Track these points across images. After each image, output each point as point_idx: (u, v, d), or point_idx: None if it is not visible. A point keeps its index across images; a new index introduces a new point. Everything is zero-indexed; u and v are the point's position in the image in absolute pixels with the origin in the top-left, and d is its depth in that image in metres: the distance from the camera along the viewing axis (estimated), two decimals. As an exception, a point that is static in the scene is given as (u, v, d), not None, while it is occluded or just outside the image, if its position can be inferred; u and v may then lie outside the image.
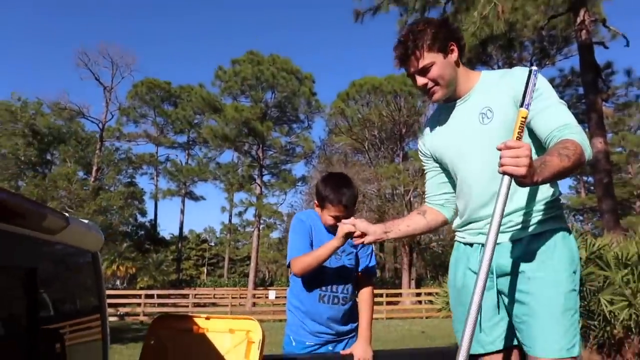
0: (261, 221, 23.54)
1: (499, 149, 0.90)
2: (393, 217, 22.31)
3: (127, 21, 67.72)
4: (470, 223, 1.23)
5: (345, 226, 1.32)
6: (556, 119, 1.06)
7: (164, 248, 26.94)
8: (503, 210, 0.95)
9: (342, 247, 1.52)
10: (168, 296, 18.71)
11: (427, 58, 1.13)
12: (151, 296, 16.45)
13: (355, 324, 1.64)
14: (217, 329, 1.44)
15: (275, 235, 28.50)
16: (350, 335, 1.65)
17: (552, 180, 1.00)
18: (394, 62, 1.22)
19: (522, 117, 0.96)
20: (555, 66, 21.31)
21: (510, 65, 21.29)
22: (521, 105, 0.97)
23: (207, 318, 1.46)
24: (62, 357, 1.02)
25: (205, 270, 37.35)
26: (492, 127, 1.13)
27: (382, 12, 9.96)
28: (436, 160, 1.34)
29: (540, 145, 1.12)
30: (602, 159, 9.01)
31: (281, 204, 24.25)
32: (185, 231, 34.03)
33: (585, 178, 23.08)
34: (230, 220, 27.97)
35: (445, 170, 1.32)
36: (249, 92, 23.17)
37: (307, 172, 26.07)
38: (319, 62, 76.47)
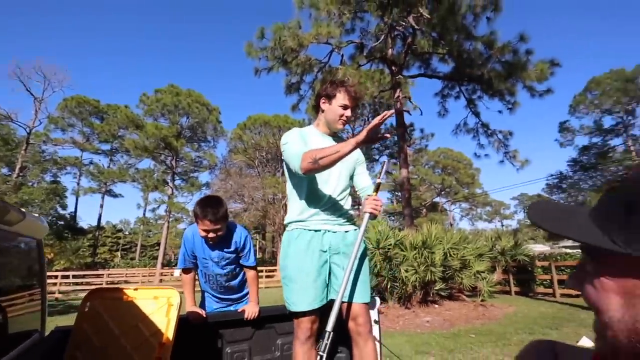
0: (171, 215, 28.72)
1: (367, 199, 1.60)
2: (274, 214, 30.20)
3: (63, 40, 74.47)
4: (318, 215, 1.75)
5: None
6: (367, 180, 1.89)
7: (81, 236, 29.97)
8: (364, 231, 1.58)
9: (222, 255, 2.08)
10: (83, 276, 19.26)
11: (355, 107, 1.81)
12: (67, 277, 17.49)
13: (243, 293, 2.28)
14: (143, 297, 1.68)
15: (181, 226, 33.57)
16: (242, 300, 2.28)
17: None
18: (351, 93, 1.78)
19: (378, 185, 1.66)
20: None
21: (356, 118, 31.32)
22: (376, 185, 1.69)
23: (136, 289, 1.70)
24: (15, 322, 1.31)
25: (119, 255, 40.13)
26: (348, 163, 1.78)
27: (273, 72, 12.00)
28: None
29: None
30: (406, 182, 11.96)
31: (188, 202, 29.72)
32: (103, 223, 37.13)
33: (397, 194, 34.99)
34: (144, 214, 32.57)
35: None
36: (167, 116, 28.56)
37: (210, 179, 32.37)
38: (224, 98, 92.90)
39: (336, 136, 1.91)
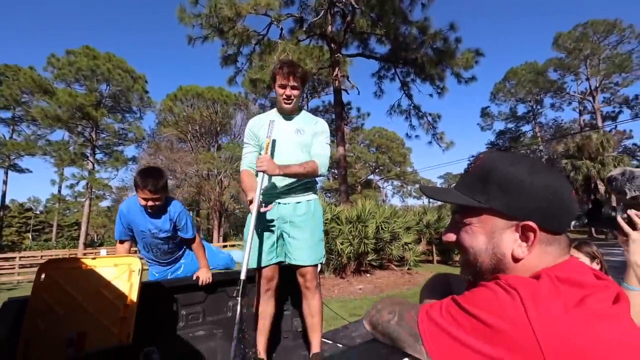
0: (92, 192, 26.23)
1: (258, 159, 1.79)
2: (209, 191, 29.31)
3: None
4: (271, 189, 1.96)
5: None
6: (317, 149, 1.99)
7: None
8: (260, 189, 1.79)
9: (159, 227, 2.19)
10: None
11: (298, 83, 1.91)
12: None
13: (181, 251, 2.44)
14: (104, 265, 1.74)
15: (104, 204, 31.43)
16: (181, 259, 2.46)
17: (289, 174, 1.85)
18: (282, 71, 1.90)
19: (267, 142, 1.85)
20: (320, 99, 32.23)
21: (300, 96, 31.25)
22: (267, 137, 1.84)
23: (94, 258, 1.77)
24: None
25: (30, 236, 36.32)
26: (302, 139, 1.98)
27: (208, 41, 11.56)
28: (257, 143, 2.04)
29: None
30: (342, 159, 12.51)
31: (113, 178, 27.27)
32: (7, 201, 32.58)
33: (334, 171, 36.08)
34: (59, 191, 29.24)
35: (257, 151, 2.05)
36: (83, 82, 25.30)
37: (137, 154, 29.83)
38: (152, 66, 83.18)
39: (291, 114, 2.06)
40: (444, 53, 11.55)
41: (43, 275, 1.66)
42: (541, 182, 0.61)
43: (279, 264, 2.03)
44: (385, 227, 8.30)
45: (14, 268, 15.34)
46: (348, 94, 15.04)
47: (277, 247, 2.01)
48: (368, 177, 41.32)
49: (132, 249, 2.35)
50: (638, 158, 32.89)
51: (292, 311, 2.40)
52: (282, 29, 11.87)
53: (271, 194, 1.99)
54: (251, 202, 1.85)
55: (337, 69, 12.64)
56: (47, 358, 1.55)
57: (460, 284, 0.85)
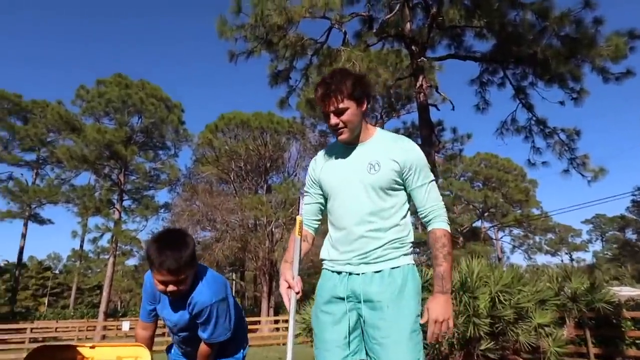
0: (118, 248, 28.35)
1: (426, 317, 1.74)
2: (256, 246, 30.11)
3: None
4: (341, 254, 1.87)
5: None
6: (429, 197, 1.87)
7: None
8: (294, 312, 1.72)
9: (177, 320, 2.07)
10: None
11: (345, 103, 1.77)
12: None
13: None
14: (103, 357, 1.78)
15: (131, 262, 33.40)
16: None
17: (448, 286, 1.83)
18: (316, 96, 1.84)
19: (298, 221, 1.88)
20: (400, 119, 32.35)
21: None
22: None
23: (92, 347, 1.81)
24: None
25: (47, 301, 39.73)
26: (377, 178, 1.82)
27: (254, 56, 11.89)
28: (320, 188, 2.00)
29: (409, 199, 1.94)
30: None
31: (141, 230, 29.48)
32: (25, 258, 36.64)
33: (423, 216, 35.03)
34: (81, 247, 32.46)
35: (324, 198, 2.00)
36: (113, 115, 28.71)
37: (170, 199, 32.16)
38: (189, 93, 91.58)
39: (356, 144, 1.97)
40: (578, 42, 10.82)
41: None
42: None
43: None
44: (506, 300, 7.60)
45: (24, 342, 16.27)
46: (438, 110, 14.78)
47: (351, 340, 1.82)
48: (473, 225, 39.54)
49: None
50: None
51: None
52: (345, 33, 12.21)
53: (339, 261, 1.89)
54: (287, 286, 1.79)
55: (421, 78, 12.44)
56: None
57: None
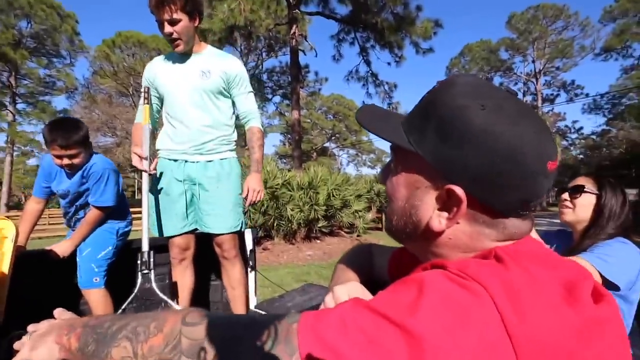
0: (15, 148, 23.77)
1: (246, 189, 1.74)
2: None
3: None
4: (177, 145, 1.78)
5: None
6: (246, 103, 1.82)
7: None
8: (149, 142, 1.70)
9: (69, 188, 1.85)
10: None
11: (178, 14, 1.57)
12: None
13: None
14: None
15: (33, 162, 28.33)
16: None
17: (259, 167, 1.82)
18: (150, 4, 1.58)
19: (145, 110, 1.76)
20: (278, 58, 31.06)
21: (250, 51, 29.41)
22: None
23: None
24: None
25: None
26: (209, 83, 1.72)
27: None
28: (156, 90, 1.81)
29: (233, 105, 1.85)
30: (297, 124, 12.24)
31: (39, 133, 24.59)
32: None
33: (289, 136, 35.77)
34: (-28, 145, 25.88)
35: (158, 99, 1.84)
36: None
37: (69, 106, 27.00)
38: (83, 5, 72.85)
39: (190, 54, 1.80)
40: (404, 20, 11.54)
41: None
42: (500, 131, 0.41)
43: (193, 231, 1.88)
44: (337, 194, 8.45)
45: None
46: (305, 55, 14.66)
47: (188, 213, 1.84)
48: (324, 145, 41.51)
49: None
50: (568, 139, 36.42)
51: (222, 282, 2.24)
52: (235, -23, 10.97)
53: (176, 151, 1.79)
54: (140, 158, 1.68)
55: (294, 27, 12.15)
56: None
57: (385, 257, 0.76)
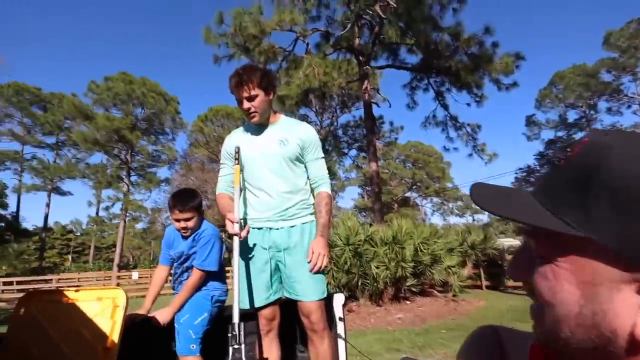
0: (127, 214, 27.56)
1: (310, 253, 1.73)
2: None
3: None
4: (260, 213, 1.82)
5: None
6: (317, 170, 1.88)
7: (26, 238, 28.15)
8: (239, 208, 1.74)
9: (182, 251, 2.07)
10: (29, 282, 17.68)
11: (255, 91, 1.72)
12: (10, 283, 16.39)
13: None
14: (86, 299, 1.61)
15: (139, 226, 32.49)
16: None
17: (327, 233, 1.80)
18: (230, 85, 1.74)
19: (236, 170, 1.83)
20: (351, 114, 32.22)
21: (324, 109, 31.33)
22: None
23: (77, 290, 1.65)
24: None
25: (70, 258, 38.11)
26: (286, 150, 1.81)
27: (235, 60, 11.58)
28: (234, 164, 1.85)
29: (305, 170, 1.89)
30: (375, 176, 12.13)
31: (146, 200, 28.79)
32: (51, 223, 34.91)
33: (367, 188, 35.59)
34: (97, 213, 30.97)
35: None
36: (120, 106, 27.13)
37: (170, 175, 31.14)
38: (183, 87, 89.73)
39: (266, 125, 1.93)
40: (480, 59, 11.09)
41: (22, 310, 1.56)
42: None
43: (278, 300, 1.87)
44: (425, 249, 7.82)
45: (51, 290, 15.64)
46: (379, 107, 14.87)
47: (272, 282, 1.84)
48: (405, 195, 40.39)
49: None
50: None
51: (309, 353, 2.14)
52: (308, 44, 11.96)
53: (260, 219, 1.85)
54: (232, 223, 1.69)
55: (366, 82, 12.51)
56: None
57: (518, 344, 0.57)
